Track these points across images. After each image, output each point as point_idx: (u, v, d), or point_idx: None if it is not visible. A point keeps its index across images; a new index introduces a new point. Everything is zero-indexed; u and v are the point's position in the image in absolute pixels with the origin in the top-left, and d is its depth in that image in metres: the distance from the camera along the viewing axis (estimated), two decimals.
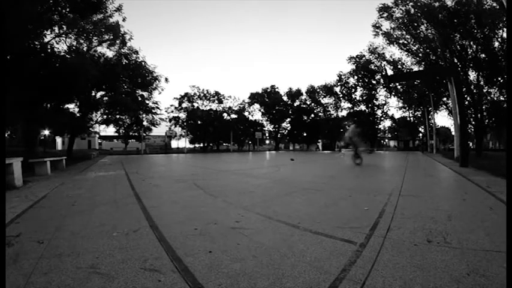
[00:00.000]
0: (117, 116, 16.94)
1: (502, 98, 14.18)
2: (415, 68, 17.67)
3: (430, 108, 23.11)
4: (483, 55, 14.38)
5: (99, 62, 13.57)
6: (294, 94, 41.51)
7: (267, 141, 49.06)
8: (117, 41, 14.49)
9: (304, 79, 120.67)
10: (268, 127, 43.34)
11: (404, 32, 16.50)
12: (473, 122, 15.17)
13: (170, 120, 33.90)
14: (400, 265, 1.43)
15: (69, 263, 1.50)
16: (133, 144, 35.72)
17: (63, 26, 10.34)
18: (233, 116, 38.35)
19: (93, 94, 14.42)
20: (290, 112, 41.65)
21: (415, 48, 16.72)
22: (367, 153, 10.26)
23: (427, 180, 4.92)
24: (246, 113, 40.22)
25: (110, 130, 23.33)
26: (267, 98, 40.82)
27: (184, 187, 4.37)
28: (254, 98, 40.80)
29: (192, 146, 38.05)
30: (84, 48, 12.92)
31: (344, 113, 39.07)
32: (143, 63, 16.48)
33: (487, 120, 15.37)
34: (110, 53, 14.97)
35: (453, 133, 14.39)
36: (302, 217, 2.41)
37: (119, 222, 2.32)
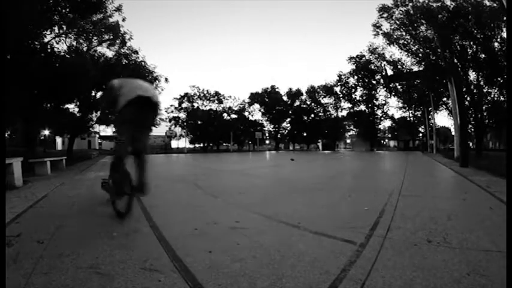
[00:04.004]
0: None
1: (502, 98, 14.18)
2: (415, 68, 17.67)
3: (430, 108, 23.10)
4: (483, 55, 14.39)
5: (99, 62, 13.57)
6: (294, 94, 41.53)
7: (267, 141, 49.05)
8: (117, 41, 14.49)
9: (304, 79, 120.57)
10: (268, 127, 43.38)
11: (404, 33, 16.50)
12: (473, 122, 15.16)
13: (170, 120, 33.94)
14: (400, 265, 1.43)
15: (69, 263, 1.50)
16: None
17: (63, 26, 10.34)
18: (233, 116, 38.39)
19: (93, 94, 14.42)
20: (290, 112, 41.66)
21: (415, 48, 16.71)
22: None
23: (427, 180, 4.93)
24: (246, 113, 40.26)
25: (110, 130, 23.35)
26: (267, 98, 40.84)
27: (184, 187, 4.37)
28: (254, 98, 40.82)
29: (192, 146, 38.07)
30: (84, 48, 12.92)
31: (344, 113, 39.15)
32: (143, 63, 16.46)
33: (487, 120, 15.37)
34: (109, 53, 14.98)
35: (453, 133, 14.39)
36: (302, 217, 2.41)
37: (119, 222, 2.32)
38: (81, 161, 11.69)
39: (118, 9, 12.93)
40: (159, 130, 29.93)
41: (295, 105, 41.66)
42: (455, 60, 14.27)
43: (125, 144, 2.41)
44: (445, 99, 18.44)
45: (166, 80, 18.37)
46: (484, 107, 15.08)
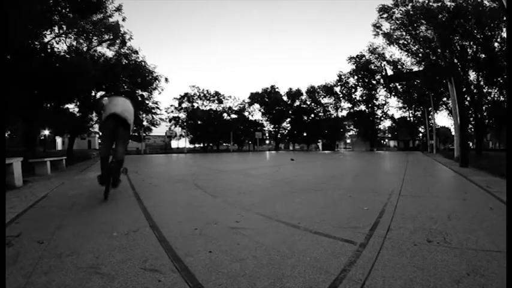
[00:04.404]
0: None
1: (502, 98, 14.19)
2: (415, 68, 17.67)
3: (430, 108, 23.10)
4: (483, 55, 14.39)
5: (99, 62, 13.58)
6: (294, 94, 41.52)
7: (267, 141, 49.05)
8: (117, 41, 14.49)
9: (304, 79, 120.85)
10: (268, 127, 43.37)
11: (404, 33, 16.51)
12: (473, 122, 15.17)
13: (170, 120, 33.93)
14: (400, 265, 1.43)
15: (69, 263, 1.50)
16: (133, 144, 35.69)
17: (63, 26, 10.34)
18: (233, 116, 38.36)
19: (93, 94, 14.43)
20: (290, 112, 41.65)
21: (415, 48, 16.72)
22: None
23: (427, 180, 4.92)
24: (246, 113, 40.23)
25: None
26: (267, 98, 40.83)
27: (185, 187, 4.37)
28: (254, 98, 40.80)
29: (192, 146, 38.06)
30: (84, 48, 12.93)
31: (344, 113, 39.15)
32: (143, 63, 16.47)
33: (487, 120, 15.37)
34: (109, 53, 14.99)
35: (453, 133, 14.39)
36: (302, 217, 2.41)
37: (119, 222, 2.32)
38: (81, 161, 11.68)
39: (118, 9, 12.95)
40: (159, 130, 29.99)
41: (295, 105, 41.64)
42: (455, 60, 14.27)
43: (105, 148, 3.29)
44: (445, 99, 18.45)
45: (166, 80, 18.39)
46: (484, 107, 15.09)
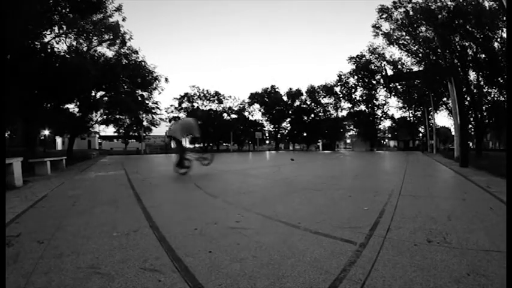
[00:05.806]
0: (117, 116, 16.97)
1: (502, 98, 14.18)
2: (415, 68, 17.67)
3: (430, 108, 23.10)
4: (483, 55, 14.39)
5: (99, 62, 13.58)
6: (294, 94, 41.52)
7: (267, 141, 49.04)
8: (117, 41, 14.51)
9: (304, 79, 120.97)
10: (268, 127, 43.37)
11: (404, 33, 16.51)
12: (473, 122, 15.17)
13: (170, 120, 33.98)
14: (400, 265, 1.43)
15: (69, 263, 1.50)
16: (133, 144, 35.76)
17: (63, 26, 10.35)
18: (233, 116, 38.41)
19: (93, 94, 14.44)
20: (290, 112, 41.65)
21: (415, 48, 16.73)
22: None
23: (427, 180, 4.92)
24: (246, 113, 40.26)
25: (110, 130, 23.43)
26: (267, 98, 40.84)
27: (184, 187, 4.37)
28: (254, 98, 40.82)
29: (192, 146, 38.07)
30: (84, 48, 12.94)
31: (344, 113, 39.15)
32: (143, 63, 16.48)
33: (487, 120, 15.37)
34: (109, 53, 15.00)
35: (453, 133, 14.39)
36: (302, 217, 2.41)
37: (119, 222, 2.32)
38: (81, 161, 11.69)
39: (118, 9, 12.97)
40: (159, 130, 30.04)
41: (295, 105, 41.64)
42: (455, 61, 14.27)
43: (177, 151, 6.13)
44: (445, 99, 18.45)
45: (166, 80, 18.42)
46: (484, 107, 15.09)
